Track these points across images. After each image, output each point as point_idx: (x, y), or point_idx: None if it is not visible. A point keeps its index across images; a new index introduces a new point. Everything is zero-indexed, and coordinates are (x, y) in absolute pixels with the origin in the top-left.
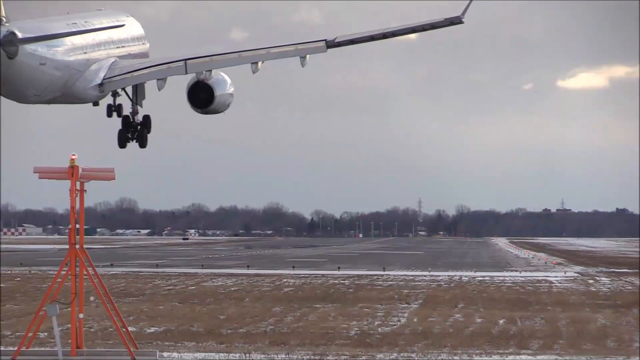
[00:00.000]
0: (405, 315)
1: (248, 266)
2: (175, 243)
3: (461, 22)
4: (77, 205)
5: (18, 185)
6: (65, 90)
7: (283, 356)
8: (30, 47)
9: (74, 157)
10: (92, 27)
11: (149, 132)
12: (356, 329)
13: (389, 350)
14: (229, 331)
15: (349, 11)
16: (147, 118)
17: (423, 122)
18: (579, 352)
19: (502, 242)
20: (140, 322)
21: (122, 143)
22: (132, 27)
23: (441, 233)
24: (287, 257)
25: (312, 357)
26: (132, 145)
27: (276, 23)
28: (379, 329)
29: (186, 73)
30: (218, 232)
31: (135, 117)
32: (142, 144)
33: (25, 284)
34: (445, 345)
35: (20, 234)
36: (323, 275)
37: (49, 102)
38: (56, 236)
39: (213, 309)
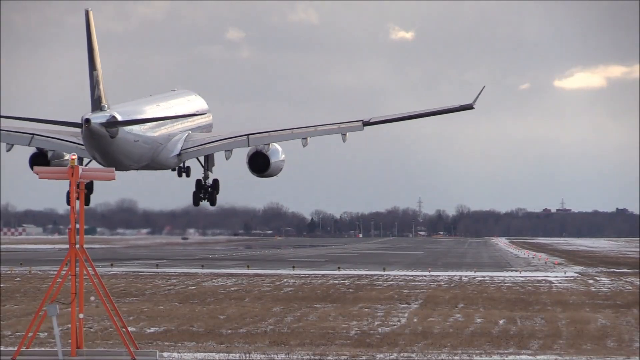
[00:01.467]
0: (405, 315)
1: (248, 266)
2: (175, 243)
3: (472, 108)
4: (77, 205)
5: (18, 185)
6: (152, 159)
7: (283, 356)
8: (127, 128)
9: (74, 157)
10: (174, 112)
11: (217, 193)
12: (356, 329)
13: (389, 350)
14: (229, 331)
15: (346, 11)
16: (216, 181)
17: (422, 121)
18: (579, 352)
19: (502, 242)
20: (140, 322)
21: (196, 202)
22: (199, 103)
23: (441, 233)
24: (287, 257)
25: (312, 357)
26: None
27: (273, 23)
28: (379, 329)
29: (248, 146)
30: (218, 232)
31: (207, 181)
32: (213, 203)
33: (25, 284)
34: (445, 345)
35: (20, 234)
36: (323, 275)
37: (138, 169)
38: (56, 236)
39: (213, 309)
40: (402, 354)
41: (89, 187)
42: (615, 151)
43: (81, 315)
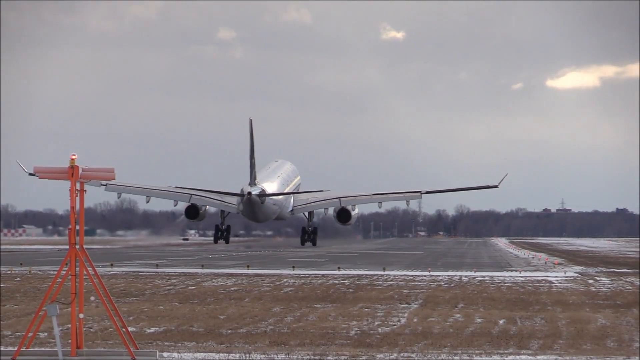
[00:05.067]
0: (405, 315)
1: (248, 266)
2: (176, 244)
3: (496, 187)
4: (77, 206)
5: (18, 186)
6: (278, 215)
7: (283, 356)
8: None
9: (74, 157)
10: (284, 179)
11: (317, 236)
12: (356, 329)
13: (389, 350)
14: (229, 331)
15: (340, 11)
16: (315, 229)
17: (421, 122)
18: (579, 352)
19: (502, 242)
20: (140, 322)
21: (302, 242)
22: (293, 168)
23: (441, 233)
24: (287, 257)
25: (312, 357)
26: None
27: (266, 23)
28: (379, 329)
29: (340, 206)
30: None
31: (309, 228)
32: (314, 244)
33: (25, 284)
34: (445, 345)
35: (20, 234)
36: (323, 275)
37: (268, 220)
38: (56, 237)
39: (213, 309)
40: (402, 354)
41: (228, 230)
42: (614, 151)
43: (81, 315)
